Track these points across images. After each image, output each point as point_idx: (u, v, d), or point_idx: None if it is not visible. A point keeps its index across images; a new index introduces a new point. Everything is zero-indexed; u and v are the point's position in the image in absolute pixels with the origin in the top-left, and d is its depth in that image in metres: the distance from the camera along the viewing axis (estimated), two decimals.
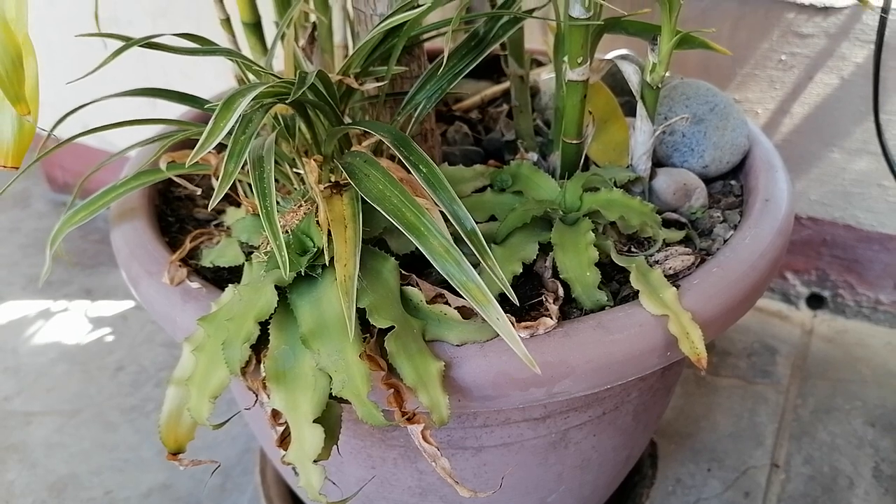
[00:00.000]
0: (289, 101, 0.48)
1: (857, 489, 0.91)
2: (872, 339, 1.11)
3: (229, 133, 0.45)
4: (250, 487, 0.95)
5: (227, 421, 0.52)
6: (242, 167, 0.46)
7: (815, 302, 1.16)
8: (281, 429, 0.50)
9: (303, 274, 0.50)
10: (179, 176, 0.63)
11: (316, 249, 0.50)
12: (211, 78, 1.19)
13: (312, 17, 0.74)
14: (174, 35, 0.57)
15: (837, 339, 1.12)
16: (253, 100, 0.46)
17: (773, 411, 1.01)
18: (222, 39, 0.62)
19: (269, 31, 0.72)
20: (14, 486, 0.97)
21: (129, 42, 0.52)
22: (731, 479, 0.93)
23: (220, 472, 0.97)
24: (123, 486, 0.97)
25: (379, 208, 0.48)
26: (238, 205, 0.67)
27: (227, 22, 0.70)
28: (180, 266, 0.59)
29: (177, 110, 0.73)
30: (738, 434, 0.99)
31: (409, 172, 0.52)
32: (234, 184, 0.69)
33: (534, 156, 0.71)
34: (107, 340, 1.21)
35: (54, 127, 0.55)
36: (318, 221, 0.50)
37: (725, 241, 0.62)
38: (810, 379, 1.06)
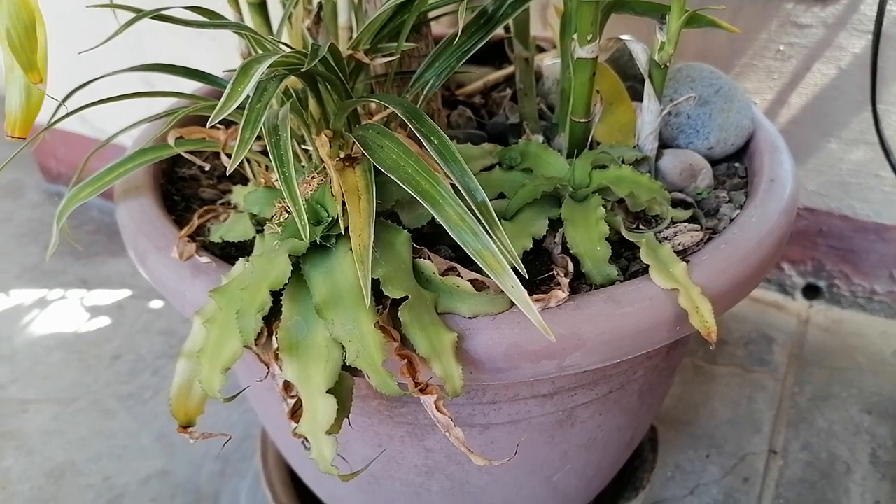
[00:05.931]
0: (303, 70, 0.47)
1: (854, 475, 0.92)
2: (868, 328, 1.12)
3: (240, 107, 0.45)
4: (250, 473, 0.95)
5: (238, 394, 0.51)
6: (258, 138, 0.46)
7: (811, 292, 1.17)
8: (293, 401, 0.50)
9: (318, 243, 0.50)
10: (186, 152, 0.63)
11: (330, 219, 0.50)
12: (208, 63, 1.19)
13: None
14: (182, 7, 0.57)
15: (833, 328, 1.13)
16: (268, 68, 0.46)
17: (770, 399, 1.02)
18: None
19: (275, 14, 0.72)
20: (11, 473, 0.97)
21: (140, 13, 0.51)
22: (729, 465, 0.94)
23: (219, 458, 0.97)
24: (122, 473, 0.96)
25: (394, 177, 0.47)
26: (245, 182, 0.67)
27: (234, 0, 0.70)
28: (189, 241, 0.59)
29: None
30: (737, 421, 0.99)
31: (420, 146, 0.52)
32: (240, 162, 0.69)
33: (539, 138, 0.72)
34: (103, 329, 1.20)
35: (66, 98, 0.54)
36: (331, 192, 0.50)
37: (732, 220, 0.62)
38: (807, 367, 1.07)
